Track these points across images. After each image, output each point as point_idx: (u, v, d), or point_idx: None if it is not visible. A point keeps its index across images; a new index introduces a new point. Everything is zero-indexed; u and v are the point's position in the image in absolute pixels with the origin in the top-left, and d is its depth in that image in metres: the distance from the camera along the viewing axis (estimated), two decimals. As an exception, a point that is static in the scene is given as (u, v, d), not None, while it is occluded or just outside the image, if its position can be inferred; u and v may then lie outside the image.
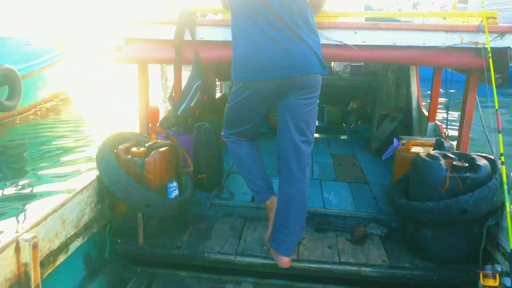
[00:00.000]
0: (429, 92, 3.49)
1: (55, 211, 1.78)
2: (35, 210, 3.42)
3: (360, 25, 2.20)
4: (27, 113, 7.85)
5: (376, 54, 2.21)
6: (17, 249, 1.50)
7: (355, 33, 2.18)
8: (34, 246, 1.52)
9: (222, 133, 2.25)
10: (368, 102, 5.40)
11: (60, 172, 4.49)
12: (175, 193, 2.34)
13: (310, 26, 1.91)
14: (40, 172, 4.53)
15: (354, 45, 2.18)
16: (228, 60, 2.39)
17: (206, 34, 2.28)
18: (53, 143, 6.05)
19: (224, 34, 2.25)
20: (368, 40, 2.18)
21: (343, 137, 4.91)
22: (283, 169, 2.03)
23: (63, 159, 5.05)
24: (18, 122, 7.32)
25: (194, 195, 2.52)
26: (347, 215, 2.54)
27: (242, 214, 2.58)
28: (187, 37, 2.27)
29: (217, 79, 4.99)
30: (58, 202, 1.84)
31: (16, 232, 2.90)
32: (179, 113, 2.39)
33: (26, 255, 1.50)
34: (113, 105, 9.56)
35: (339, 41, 2.18)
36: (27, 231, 1.58)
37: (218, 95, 5.15)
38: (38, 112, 8.28)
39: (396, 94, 4.38)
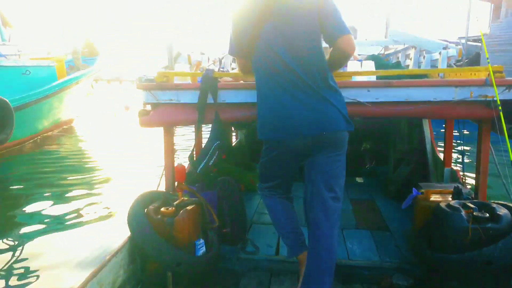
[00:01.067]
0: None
1: (93, 276, 1.87)
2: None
3: (373, 84, 2.33)
4: (21, 145, 7.75)
5: (389, 110, 2.33)
6: None
7: (368, 91, 2.31)
8: None
9: (257, 185, 2.35)
10: (382, 143, 5.48)
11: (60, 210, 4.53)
12: (203, 250, 2.40)
13: (331, 87, 1.99)
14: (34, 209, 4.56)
15: (368, 102, 2.30)
16: (247, 120, 2.55)
17: (228, 97, 2.44)
18: (51, 176, 6.13)
19: (244, 97, 2.41)
20: (381, 97, 2.31)
21: (359, 179, 4.97)
22: (312, 226, 2.07)
23: (59, 194, 5.05)
24: (11, 154, 7.20)
25: (220, 250, 2.58)
26: (371, 265, 2.56)
27: (268, 267, 2.62)
28: (210, 100, 2.43)
29: (232, 128, 5.16)
30: (96, 266, 1.93)
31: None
32: (198, 171, 2.51)
33: None
34: (119, 133, 9.62)
35: (352, 99, 2.31)
36: None
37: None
38: (32, 144, 8.14)
39: (409, 135, 4.46)
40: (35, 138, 8.65)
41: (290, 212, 2.29)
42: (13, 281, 3.09)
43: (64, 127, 10.18)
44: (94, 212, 4.60)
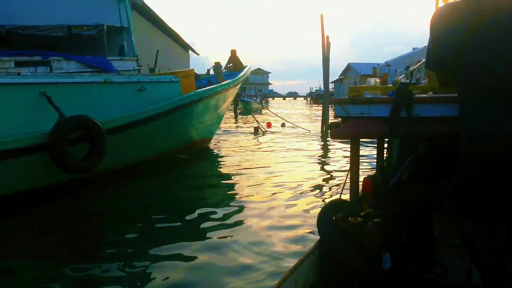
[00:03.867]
0: None
1: (291, 272, 2.08)
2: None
3: None
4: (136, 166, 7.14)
5: None
6: None
7: None
8: None
9: (446, 204, 2.21)
10: None
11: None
12: (389, 264, 2.39)
13: None
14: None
15: None
16: (444, 135, 2.41)
17: (423, 110, 2.36)
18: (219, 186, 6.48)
19: (442, 110, 2.29)
20: None
21: None
22: None
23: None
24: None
25: (406, 267, 2.52)
26: None
27: None
28: (403, 114, 2.39)
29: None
30: (292, 265, 2.14)
31: None
32: (389, 186, 2.49)
33: None
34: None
35: None
36: None
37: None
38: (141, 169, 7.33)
39: None
40: (152, 162, 7.78)
41: (490, 238, 2.07)
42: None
43: (196, 148, 9.30)
44: (281, 214, 4.94)
